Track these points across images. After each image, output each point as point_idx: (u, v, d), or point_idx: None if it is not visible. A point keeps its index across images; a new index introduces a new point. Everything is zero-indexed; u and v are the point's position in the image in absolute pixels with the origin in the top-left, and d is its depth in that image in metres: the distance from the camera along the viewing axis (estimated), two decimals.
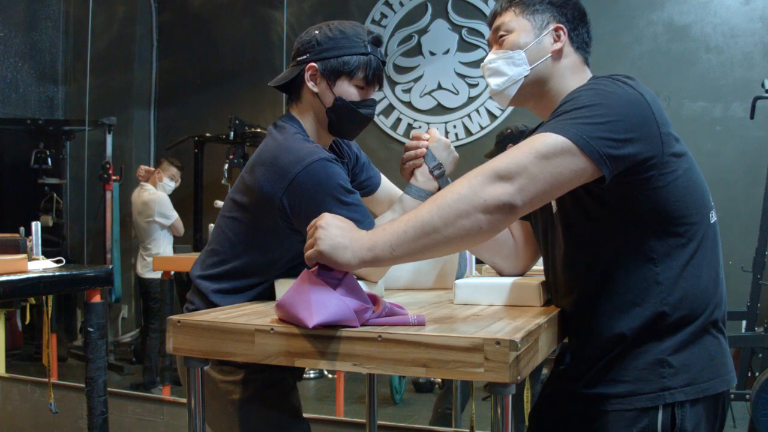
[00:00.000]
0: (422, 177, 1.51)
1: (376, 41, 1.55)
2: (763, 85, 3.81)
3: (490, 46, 1.41)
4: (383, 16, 5.83)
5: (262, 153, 1.50)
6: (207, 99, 6.35)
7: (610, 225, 1.20)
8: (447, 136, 5.59)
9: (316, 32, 1.53)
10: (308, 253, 1.11)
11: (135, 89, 6.53)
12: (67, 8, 6.62)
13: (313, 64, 1.52)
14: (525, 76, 1.32)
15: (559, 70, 1.33)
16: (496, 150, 3.45)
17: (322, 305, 1.05)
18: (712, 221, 1.25)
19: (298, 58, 1.55)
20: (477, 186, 1.07)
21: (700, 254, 1.22)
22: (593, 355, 1.25)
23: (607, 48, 5.09)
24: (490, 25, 1.41)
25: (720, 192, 4.66)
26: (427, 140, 1.52)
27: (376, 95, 1.62)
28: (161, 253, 4.92)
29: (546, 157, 1.08)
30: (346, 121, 1.56)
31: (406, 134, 5.68)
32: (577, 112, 1.11)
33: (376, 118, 5.71)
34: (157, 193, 5.02)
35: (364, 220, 1.41)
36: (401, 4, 5.77)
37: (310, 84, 1.53)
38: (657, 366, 1.19)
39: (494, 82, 1.35)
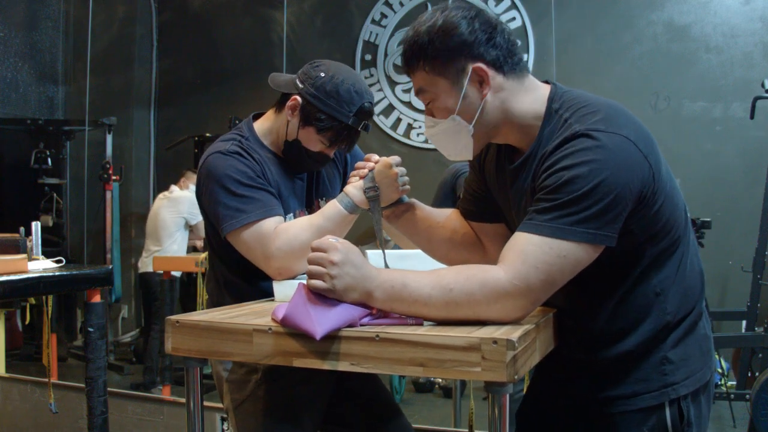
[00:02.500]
0: (354, 189, 1.52)
1: (363, 114, 1.60)
2: (763, 85, 3.81)
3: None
4: (383, 16, 5.83)
5: None
6: (207, 99, 6.35)
7: (610, 260, 1.17)
8: None
9: (323, 74, 1.60)
10: (317, 284, 1.11)
11: (135, 89, 6.53)
12: (67, 8, 6.62)
13: (298, 98, 1.61)
14: (472, 134, 1.24)
15: (503, 105, 1.23)
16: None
17: (324, 317, 1.06)
18: (687, 216, 1.27)
19: (299, 84, 1.62)
20: (486, 303, 1.08)
21: (685, 254, 1.25)
22: (598, 370, 1.26)
23: (607, 48, 5.09)
24: (407, 74, 1.29)
25: (720, 192, 4.68)
26: (375, 163, 1.50)
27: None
28: (175, 251, 4.90)
29: (560, 280, 1.10)
30: (293, 159, 1.66)
31: (406, 134, 5.68)
32: (579, 201, 1.08)
33: (376, 118, 5.71)
34: (189, 194, 5.01)
35: (252, 211, 1.50)
36: (401, 4, 5.77)
37: (288, 112, 1.63)
38: (659, 364, 1.21)
39: (446, 152, 1.30)
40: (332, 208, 1.53)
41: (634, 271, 1.21)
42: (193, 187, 5.05)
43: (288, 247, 1.47)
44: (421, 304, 1.09)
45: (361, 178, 1.50)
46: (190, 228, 5.05)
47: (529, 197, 1.19)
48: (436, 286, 1.09)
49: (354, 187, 1.52)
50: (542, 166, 1.15)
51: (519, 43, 1.24)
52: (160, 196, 5.18)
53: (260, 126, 1.70)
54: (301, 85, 1.61)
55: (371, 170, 1.49)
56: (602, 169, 1.08)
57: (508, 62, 1.22)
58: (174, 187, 5.14)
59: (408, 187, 1.49)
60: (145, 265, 4.97)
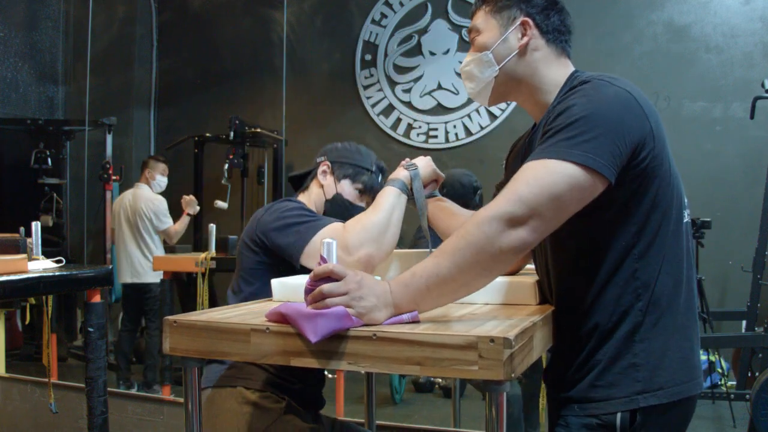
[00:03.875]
0: (394, 174, 1.65)
1: (381, 170, 1.90)
2: (763, 85, 3.81)
3: None
4: (383, 16, 5.83)
5: None
6: (207, 99, 6.35)
7: (600, 222, 1.19)
8: (447, 136, 5.61)
9: (338, 144, 1.91)
10: (347, 310, 1.08)
11: (135, 89, 6.53)
12: (67, 8, 6.62)
13: (327, 162, 1.86)
14: (495, 77, 1.34)
15: (533, 64, 1.32)
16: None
17: (324, 321, 1.05)
18: (685, 220, 1.26)
19: (320, 158, 1.89)
20: (492, 235, 1.08)
21: (674, 254, 1.22)
22: (572, 350, 1.25)
23: (607, 48, 5.09)
24: (471, 15, 1.43)
25: (720, 192, 4.68)
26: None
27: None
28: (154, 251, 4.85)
29: (558, 196, 1.09)
30: (336, 214, 1.82)
31: (406, 134, 5.68)
32: (575, 128, 1.11)
33: (376, 118, 5.72)
34: (157, 197, 4.92)
35: (321, 219, 1.66)
36: (401, 4, 5.77)
37: (320, 177, 1.86)
38: (630, 370, 1.18)
39: (469, 85, 1.40)
40: (384, 192, 1.62)
41: (618, 231, 1.19)
42: (159, 177, 4.95)
43: (364, 230, 1.54)
44: (434, 276, 1.09)
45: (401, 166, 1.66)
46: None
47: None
48: (437, 254, 1.11)
49: (394, 173, 1.64)
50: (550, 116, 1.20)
51: (572, 32, 1.39)
52: (127, 195, 4.98)
53: (304, 200, 1.87)
54: (322, 157, 1.87)
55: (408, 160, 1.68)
56: (600, 103, 1.13)
57: (554, 34, 1.33)
58: (142, 185, 4.95)
59: (442, 174, 1.67)
60: (131, 274, 4.91)
